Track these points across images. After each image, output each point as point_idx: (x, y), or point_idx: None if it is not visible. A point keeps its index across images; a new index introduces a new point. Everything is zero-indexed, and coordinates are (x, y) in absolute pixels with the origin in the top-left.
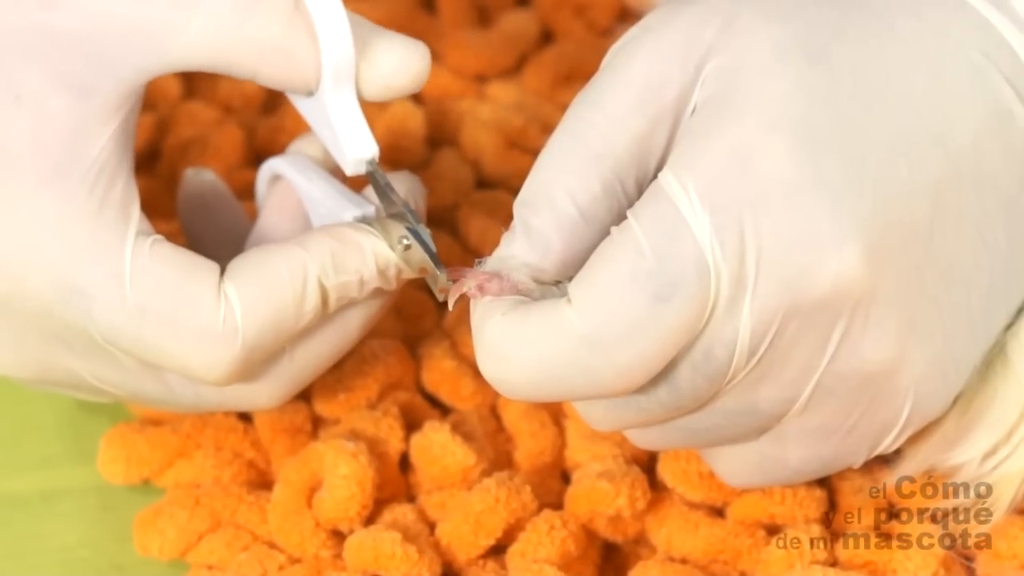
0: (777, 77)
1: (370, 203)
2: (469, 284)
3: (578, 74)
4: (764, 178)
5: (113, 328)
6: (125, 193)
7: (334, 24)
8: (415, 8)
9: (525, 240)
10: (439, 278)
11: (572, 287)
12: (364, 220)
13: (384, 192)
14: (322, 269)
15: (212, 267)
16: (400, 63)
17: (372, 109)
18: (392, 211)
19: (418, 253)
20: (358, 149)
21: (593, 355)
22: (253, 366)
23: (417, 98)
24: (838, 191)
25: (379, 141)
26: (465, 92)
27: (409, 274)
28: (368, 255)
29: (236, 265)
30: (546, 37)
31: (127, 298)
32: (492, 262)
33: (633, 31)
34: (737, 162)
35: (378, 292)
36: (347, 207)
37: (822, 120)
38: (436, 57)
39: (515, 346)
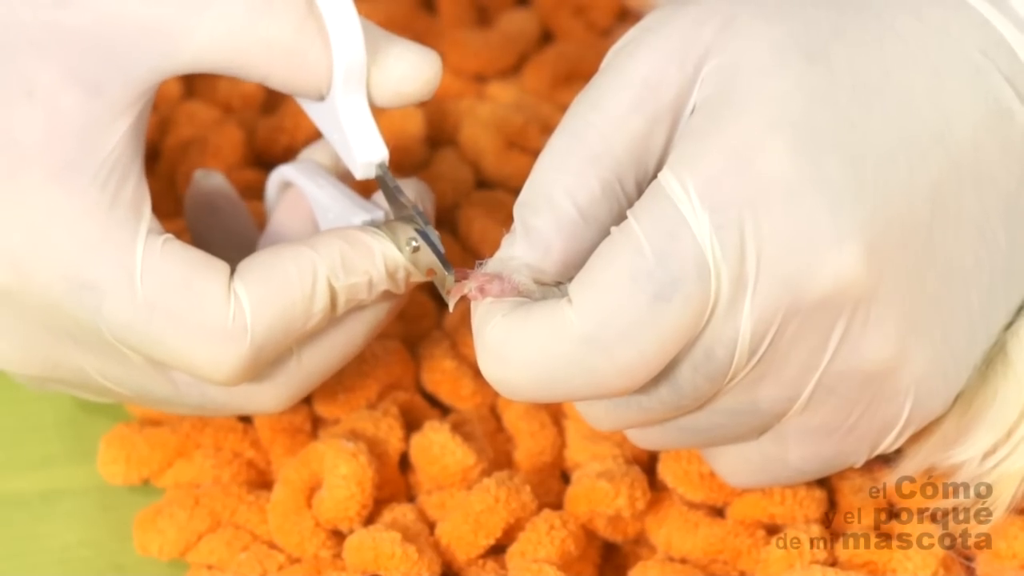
0: (776, 77)
1: (379, 208)
2: (470, 286)
3: (578, 74)
4: (764, 177)
5: (122, 324)
6: (137, 191)
7: (346, 27)
8: (415, 8)
9: (525, 241)
10: (447, 280)
11: (572, 287)
12: (373, 224)
13: (393, 195)
14: (332, 270)
15: (222, 266)
16: (411, 69)
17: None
18: (401, 214)
19: (426, 255)
20: (368, 153)
21: (594, 355)
22: (261, 366)
23: None
24: (838, 190)
25: None
26: (465, 92)
27: (417, 277)
28: (377, 257)
29: (246, 265)
30: (546, 37)
31: (137, 294)
32: (493, 263)
33: (632, 32)
34: (737, 161)
35: (385, 296)
36: (356, 212)
37: (821, 119)
38: None
39: (516, 347)
